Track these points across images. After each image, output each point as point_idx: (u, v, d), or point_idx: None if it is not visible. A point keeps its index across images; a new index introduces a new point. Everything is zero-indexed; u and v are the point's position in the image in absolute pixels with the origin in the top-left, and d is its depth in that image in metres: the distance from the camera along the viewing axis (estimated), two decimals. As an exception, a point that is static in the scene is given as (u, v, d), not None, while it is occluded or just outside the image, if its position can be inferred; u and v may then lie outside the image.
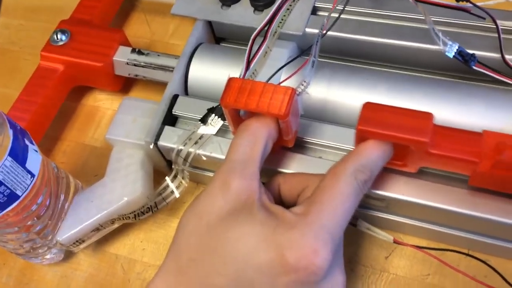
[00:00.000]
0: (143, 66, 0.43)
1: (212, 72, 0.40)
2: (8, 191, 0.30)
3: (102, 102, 0.47)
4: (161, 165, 0.40)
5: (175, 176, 0.38)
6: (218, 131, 0.36)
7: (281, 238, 0.26)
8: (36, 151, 0.33)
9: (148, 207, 0.37)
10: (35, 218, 0.34)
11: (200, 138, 0.36)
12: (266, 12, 0.41)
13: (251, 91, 0.30)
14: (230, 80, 0.31)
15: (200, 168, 0.39)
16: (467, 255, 0.33)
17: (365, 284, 0.35)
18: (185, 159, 0.36)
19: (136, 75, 0.44)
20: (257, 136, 0.30)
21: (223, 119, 0.36)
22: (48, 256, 0.37)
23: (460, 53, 0.35)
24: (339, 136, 0.35)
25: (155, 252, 0.39)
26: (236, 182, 0.28)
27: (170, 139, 0.37)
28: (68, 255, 0.40)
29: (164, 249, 0.39)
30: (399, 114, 0.28)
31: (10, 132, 0.30)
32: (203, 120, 0.37)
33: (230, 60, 0.40)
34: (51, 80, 0.43)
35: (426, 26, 0.37)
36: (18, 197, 0.31)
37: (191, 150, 0.36)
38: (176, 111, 0.38)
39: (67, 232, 0.36)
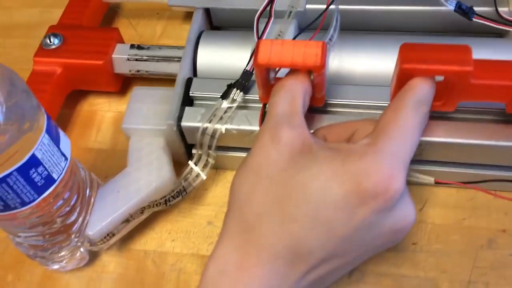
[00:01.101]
0: (145, 60, 0.42)
1: (220, 54, 0.40)
2: (45, 172, 0.28)
3: (99, 105, 0.46)
4: (180, 152, 0.39)
5: (197, 161, 0.37)
6: (240, 106, 0.36)
7: (354, 168, 0.25)
8: (65, 135, 0.31)
9: (177, 191, 0.36)
10: (65, 210, 0.32)
11: (224, 113, 0.36)
12: (265, -6, 0.42)
13: (282, 49, 0.30)
14: (260, 42, 0.31)
15: (223, 148, 0.38)
16: (509, 181, 0.34)
17: (407, 236, 0.36)
18: (212, 136, 0.36)
19: (138, 71, 0.43)
20: (295, 91, 0.30)
21: (245, 92, 0.36)
22: (76, 256, 0.35)
23: (459, 7, 0.37)
24: (361, 94, 0.35)
25: (186, 241, 0.37)
26: (286, 133, 0.28)
27: (194, 119, 0.36)
28: (89, 259, 0.37)
29: (195, 236, 0.37)
30: (437, 50, 0.29)
31: (43, 109, 0.28)
32: (224, 96, 0.36)
33: (237, 41, 0.40)
34: (48, 84, 0.41)
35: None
36: (54, 181, 0.29)
37: (217, 126, 0.35)
38: (193, 92, 0.37)
39: (97, 225, 0.34)
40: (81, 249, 0.35)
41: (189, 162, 0.37)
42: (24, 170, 0.27)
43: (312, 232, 0.26)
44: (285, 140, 0.28)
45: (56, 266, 0.35)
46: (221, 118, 0.36)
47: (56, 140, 0.29)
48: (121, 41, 0.44)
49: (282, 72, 0.33)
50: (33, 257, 0.34)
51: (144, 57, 0.42)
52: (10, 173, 0.26)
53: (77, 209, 0.33)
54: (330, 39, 0.33)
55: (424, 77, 0.29)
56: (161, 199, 0.35)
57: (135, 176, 0.36)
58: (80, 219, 0.34)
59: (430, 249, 0.35)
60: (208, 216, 0.38)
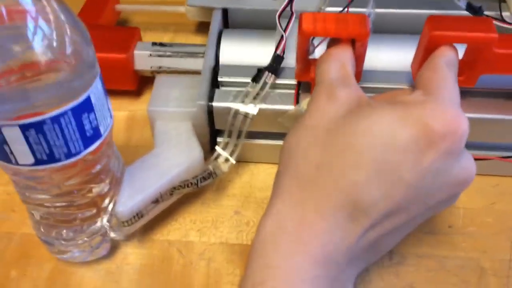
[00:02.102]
0: (168, 56, 0.41)
1: (242, 49, 0.39)
2: (95, 122, 0.26)
3: (108, 106, 0.44)
4: (204, 141, 0.37)
5: (224, 148, 0.36)
6: (269, 91, 0.36)
7: (418, 112, 0.25)
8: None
9: (208, 173, 0.34)
10: (100, 178, 0.29)
11: (256, 95, 0.35)
12: (283, -3, 0.43)
13: (326, 19, 0.31)
14: (302, 14, 0.32)
15: (250, 135, 0.37)
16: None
17: (444, 220, 0.35)
18: (246, 116, 0.35)
19: (160, 67, 0.42)
20: (343, 58, 0.30)
21: (276, 74, 0.36)
22: (101, 241, 0.32)
23: (470, 6, 0.40)
24: (386, 78, 0.36)
25: (213, 230, 0.35)
26: (343, 91, 0.28)
27: (225, 99, 0.35)
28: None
29: (223, 226, 0.35)
30: (462, 21, 0.30)
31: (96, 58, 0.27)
32: (256, 79, 0.36)
33: (258, 37, 0.40)
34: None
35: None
36: (100, 135, 0.27)
37: (250, 106, 0.35)
38: (222, 76, 0.37)
39: (127, 203, 0.31)
40: (108, 233, 0.32)
41: (216, 147, 0.36)
42: (77, 112, 0.25)
43: (377, 179, 0.25)
44: (342, 97, 0.28)
45: (77, 254, 0.32)
46: (254, 98, 0.35)
47: (105, 92, 0.27)
48: (141, 40, 0.44)
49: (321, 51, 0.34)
50: (55, 239, 0.31)
51: (168, 53, 0.41)
52: (65, 112, 0.24)
53: (109, 182, 0.30)
54: (369, 15, 0.35)
55: (450, 45, 0.30)
56: (193, 178, 0.33)
57: (165, 155, 0.34)
58: (110, 195, 0.31)
59: (466, 231, 0.35)
60: (234, 206, 0.37)
